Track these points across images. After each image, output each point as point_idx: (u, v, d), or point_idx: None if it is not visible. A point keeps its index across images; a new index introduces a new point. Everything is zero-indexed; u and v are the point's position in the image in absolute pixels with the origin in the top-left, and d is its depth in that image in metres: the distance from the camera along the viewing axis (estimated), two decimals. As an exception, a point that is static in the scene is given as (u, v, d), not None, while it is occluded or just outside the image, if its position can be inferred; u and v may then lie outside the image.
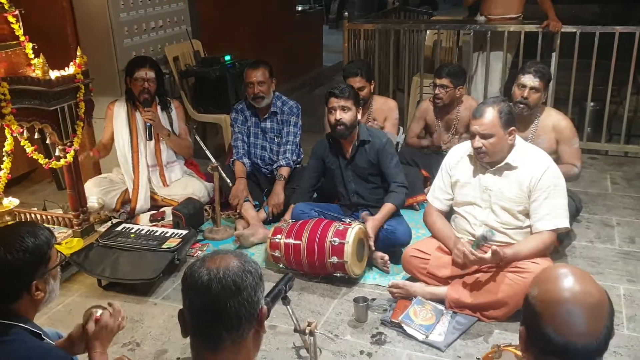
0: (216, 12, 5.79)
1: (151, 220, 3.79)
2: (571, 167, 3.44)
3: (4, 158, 3.21)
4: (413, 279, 3.02)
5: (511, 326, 2.72)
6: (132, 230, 3.46)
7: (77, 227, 3.43)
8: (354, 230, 3.09)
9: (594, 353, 1.24)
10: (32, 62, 3.10)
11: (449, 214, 3.06)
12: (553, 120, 3.46)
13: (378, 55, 5.62)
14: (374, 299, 2.95)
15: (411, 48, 6.25)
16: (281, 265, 3.23)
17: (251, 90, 3.94)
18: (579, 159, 3.50)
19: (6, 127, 2.93)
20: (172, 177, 4.04)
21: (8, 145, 3.17)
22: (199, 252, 3.54)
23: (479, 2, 5.29)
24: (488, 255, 2.64)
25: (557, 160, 3.44)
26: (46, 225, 3.51)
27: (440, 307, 2.80)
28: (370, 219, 3.26)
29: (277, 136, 4.09)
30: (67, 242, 3.37)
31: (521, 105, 3.37)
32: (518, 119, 3.41)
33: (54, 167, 3.30)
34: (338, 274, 3.10)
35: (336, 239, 3.04)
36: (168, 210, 3.81)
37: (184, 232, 3.46)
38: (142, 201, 3.89)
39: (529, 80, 3.36)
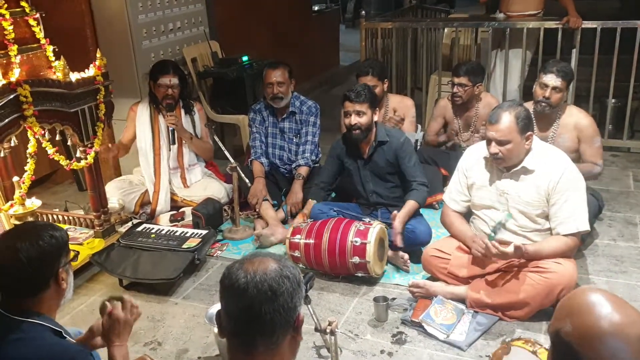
0: (233, 13, 5.81)
1: (171, 221, 3.82)
2: (593, 166, 3.39)
3: (28, 160, 3.24)
4: (433, 278, 3.01)
5: (533, 325, 2.69)
6: (153, 231, 3.49)
7: (98, 228, 3.47)
8: (375, 229, 3.07)
9: None
10: (53, 64, 3.13)
11: (467, 215, 3.02)
12: (575, 118, 3.41)
13: (395, 54, 5.59)
14: (394, 299, 2.94)
15: (429, 46, 6.23)
16: (301, 265, 3.23)
17: (270, 91, 3.94)
18: (601, 158, 3.44)
19: (28, 129, 2.96)
20: (192, 178, 4.06)
21: (32, 147, 3.21)
22: (219, 252, 3.56)
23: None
24: (510, 249, 2.59)
25: (578, 158, 3.40)
26: (67, 226, 3.56)
27: (461, 306, 2.77)
28: (397, 216, 3.20)
29: (295, 136, 4.10)
30: (88, 243, 3.41)
31: (543, 104, 3.33)
32: (539, 117, 3.39)
33: (75, 168, 3.34)
34: (359, 274, 3.09)
35: (357, 239, 3.03)
36: (188, 210, 3.84)
37: (204, 232, 3.49)
38: (163, 204, 3.92)
39: (551, 79, 3.31)
